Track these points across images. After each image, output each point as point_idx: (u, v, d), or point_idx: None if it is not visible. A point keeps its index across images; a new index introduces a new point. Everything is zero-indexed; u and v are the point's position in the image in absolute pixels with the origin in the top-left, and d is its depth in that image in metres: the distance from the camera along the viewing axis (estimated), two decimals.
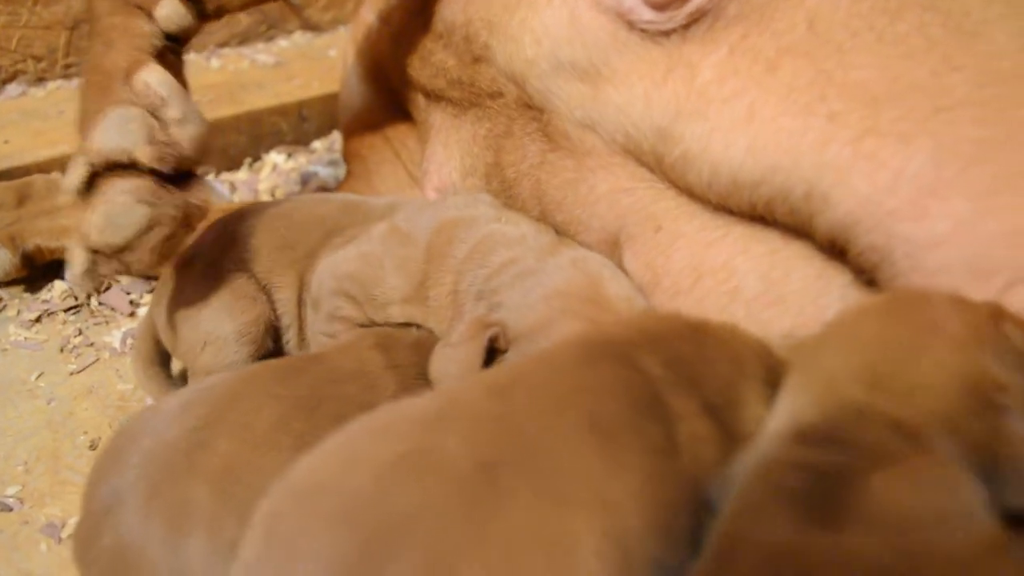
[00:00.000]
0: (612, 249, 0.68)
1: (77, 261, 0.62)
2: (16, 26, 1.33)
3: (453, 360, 0.61)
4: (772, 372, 0.50)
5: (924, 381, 0.42)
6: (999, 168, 0.51)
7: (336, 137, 1.38)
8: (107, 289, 0.97)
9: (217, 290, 0.71)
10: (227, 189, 1.26)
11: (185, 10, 0.71)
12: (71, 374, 0.88)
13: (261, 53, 1.52)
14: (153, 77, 0.65)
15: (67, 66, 1.38)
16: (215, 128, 1.28)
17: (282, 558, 0.37)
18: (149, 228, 0.62)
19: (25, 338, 0.93)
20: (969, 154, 0.52)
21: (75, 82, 1.36)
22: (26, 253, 0.96)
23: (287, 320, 0.75)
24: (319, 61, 1.50)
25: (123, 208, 0.61)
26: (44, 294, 0.98)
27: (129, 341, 0.91)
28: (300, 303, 0.75)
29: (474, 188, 0.82)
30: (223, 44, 1.54)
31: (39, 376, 0.88)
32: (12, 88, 1.34)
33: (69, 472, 0.76)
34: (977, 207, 0.51)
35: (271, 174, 1.31)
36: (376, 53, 0.92)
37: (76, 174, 0.62)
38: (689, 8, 0.61)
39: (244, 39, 1.57)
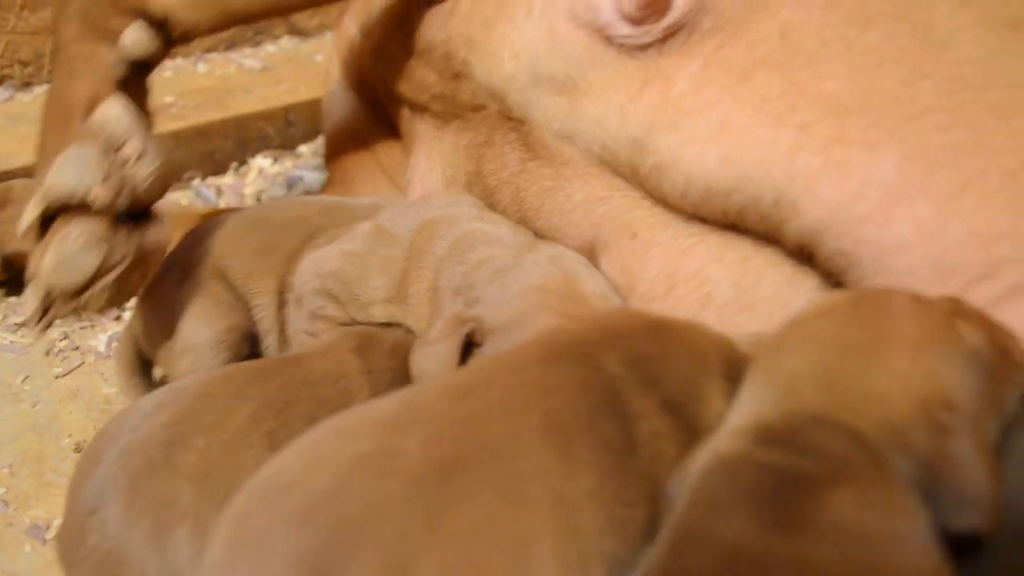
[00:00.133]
0: (589, 256, 0.70)
1: (30, 301, 0.62)
2: (3, 31, 1.34)
3: (431, 357, 0.62)
4: (734, 368, 0.51)
5: (878, 390, 0.42)
6: (963, 172, 0.53)
7: (322, 141, 1.38)
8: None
9: (195, 297, 0.71)
10: (213, 193, 1.26)
11: (151, 36, 0.71)
12: (56, 378, 0.89)
13: (248, 58, 1.53)
14: (113, 111, 0.65)
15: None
16: (202, 132, 1.30)
17: (247, 558, 0.38)
18: (102, 271, 0.62)
19: (11, 342, 0.93)
20: (934, 160, 0.53)
21: None
22: (6, 257, 0.96)
23: (266, 325, 0.75)
24: (305, 66, 1.51)
25: (76, 250, 0.61)
26: None
27: (114, 345, 0.91)
28: (280, 307, 0.75)
29: None
30: (210, 49, 1.55)
31: (24, 379, 0.88)
32: None
33: (54, 475, 0.76)
34: (941, 211, 0.52)
35: (257, 178, 1.31)
36: (359, 65, 0.93)
37: (29, 214, 0.62)
38: (665, 23, 0.62)
39: (231, 44, 1.58)
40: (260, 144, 1.36)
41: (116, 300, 0.64)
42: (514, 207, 0.75)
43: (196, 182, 1.29)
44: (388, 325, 0.71)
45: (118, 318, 0.97)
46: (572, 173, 0.70)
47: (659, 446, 0.46)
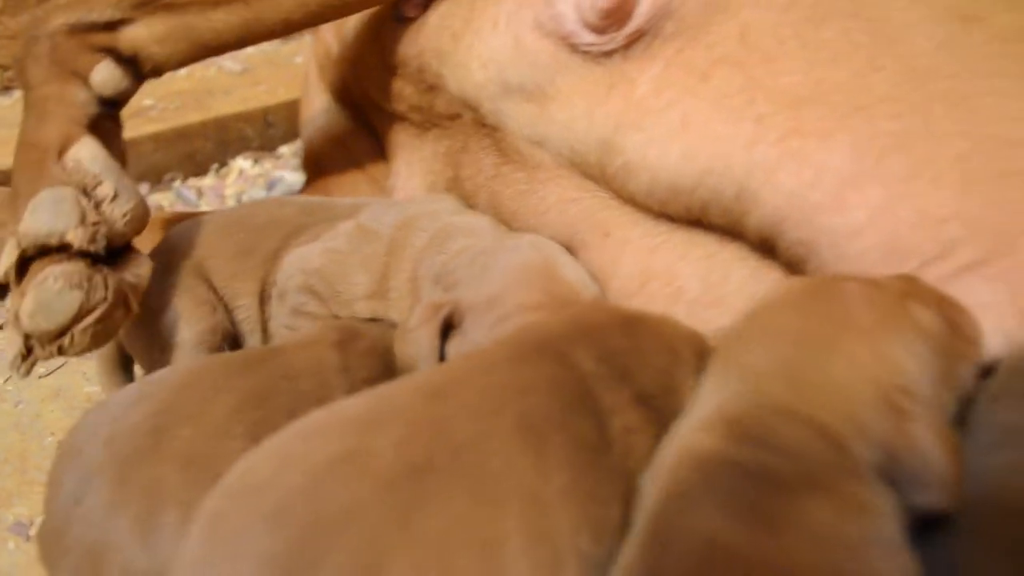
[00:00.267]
0: None
1: (12, 346, 0.62)
2: None
3: (411, 343, 0.63)
4: (706, 361, 0.51)
5: (838, 380, 0.43)
6: (912, 157, 0.55)
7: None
8: None
9: (177, 298, 0.71)
10: (194, 195, 1.28)
11: (121, 74, 0.71)
12: (39, 377, 0.90)
13: (228, 60, 1.54)
14: (85, 153, 0.65)
15: None
16: (182, 134, 1.31)
17: (221, 557, 0.38)
18: (82, 314, 0.61)
19: None
20: (885, 146, 0.55)
21: None
22: None
23: (250, 325, 0.75)
24: (285, 68, 1.53)
25: (55, 295, 0.60)
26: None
27: None
28: (262, 307, 0.76)
29: None
30: None
31: (7, 380, 0.89)
32: None
33: (36, 472, 0.77)
34: (892, 194, 0.54)
35: (238, 179, 1.33)
36: (338, 74, 0.95)
37: (5, 261, 0.62)
38: (628, 30, 0.64)
39: None
40: (240, 145, 1.37)
41: (100, 339, 0.64)
42: (491, 210, 0.78)
43: (177, 184, 1.30)
44: (373, 320, 0.71)
45: None
46: (545, 176, 0.72)
47: (632, 441, 0.47)
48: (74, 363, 0.91)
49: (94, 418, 0.56)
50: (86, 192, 0.64)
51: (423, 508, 0.39)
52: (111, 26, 0.71)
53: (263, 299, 0.76)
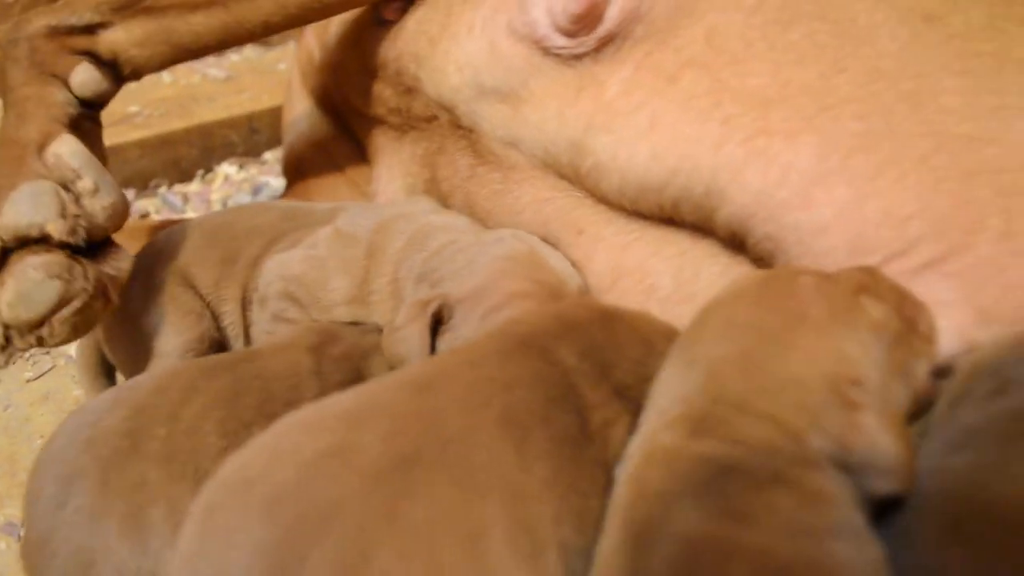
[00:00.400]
0: None
1: None
2: None
3: (401, 342, 0.63)
4: None
5: (793, 374, 0.44)
6: (876, 156, 0.56)
7: None
8: None
9: (162, 306, 0.72)
10: (180, 200, 1.29)
11: (101, 76, 0.72)
12: (27, 381, 0.91)
13: (212, 67, 1.55)
14: (65, 149, 0.66)
15: None
16: (168, 141, 1.32)
17: (216, 549, 0.39)
18: (61, 303, 0.62)
19: None
20: (850, 145, 0.56)
21: None
22: None
23: (234, 331, 0.76)
24: (269, 75, 1.54)
25: (34, 284, 0.61)
26: None
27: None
28: (244, 313, 0.76)
29: None
30: None
31: None
32: None
33: (25, 474, 0.77)
34: (857, 193, 0.55)
35: (223, 185, 1.34)
36: (320, 79, 0.96)
37: None
38: (598, 33, 0.65)
39: None
40: (225, 151, 1.38)
41: (79, 329, 0.64)
42: (466, 210, 0.79)
43: (163, 190, 1.31)
44: (353, 324, 0.72)
45: None
46: (519, 176, 0.73)
47: (611, 433, 0.49)
48: (63, 367, 0.92)
49: (71, 424, 0.56)
50: (66, 186, 0.65)
51: (409, 499, 0.40)
52: (90, 29, 0.71)
53: (245, 304, 0.76)
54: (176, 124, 1.34)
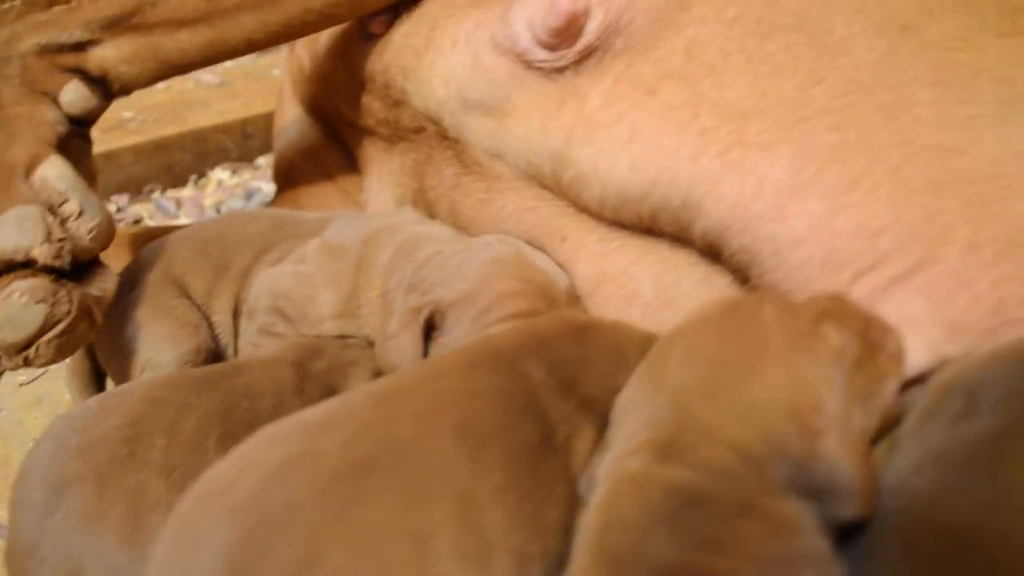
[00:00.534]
0: None
1: None
2: None
3: (394, 349, 0.64)
4: None
5: (756, 402, 0.45)
6: (850, 168, 0.56)
7: None
8: None
9: (158, 317, 0.72)
10: (173, 206, 1.29)
11: (90, 93, 0.73)
12: (20, 385, 0.92)
13: (205, 73, 1.56)
14: (52, 171, 0.67)
15: None
16: (161, 146, 1.33)
17: (183, 554, 0.41)
18: (47, 327, 0.63)
19: None
20: (825, 157, 0.57)
21: None
22: None
23: (225, 340, 0.77)
24: (262, 80, 1.55)
25: (20, 309, 0.62)
26: None
27: None
28: (235, 323, 0.77)
29: None
30: None
31: None
32: None
33: None
34: (830, 206, 0.56)
35: (216, 190, 1.35)
36: (310, 89, 0.97)
37: None
38: (579, 47, 0.66)
39: None
40: (219, 157, 1.40)
41: (65, 351, 0.65)
42: (451, 219, 0.80)
43: (156, 195, 1.32)
44: (341, 338, 0.73)
45: None
46: (503, 186, 0.74)
47: (576, 445, 0.50)
48: (55, 371, 0.93)
49: (58, 430, 0.57)
50: (52, 209, 0.66)
51: (361, 503, 0.41)
52: (80, 47, 0.72)
53: (235, 315, 0.77)
54: (170, 129, 1.35)
